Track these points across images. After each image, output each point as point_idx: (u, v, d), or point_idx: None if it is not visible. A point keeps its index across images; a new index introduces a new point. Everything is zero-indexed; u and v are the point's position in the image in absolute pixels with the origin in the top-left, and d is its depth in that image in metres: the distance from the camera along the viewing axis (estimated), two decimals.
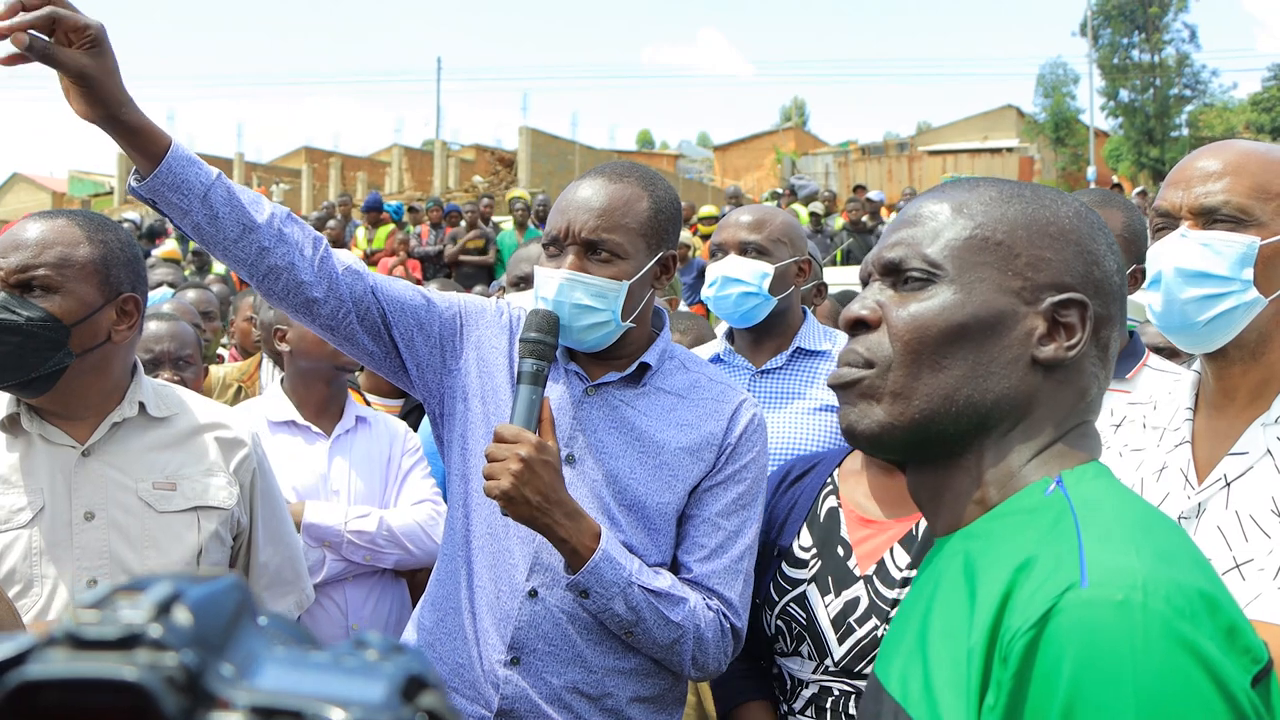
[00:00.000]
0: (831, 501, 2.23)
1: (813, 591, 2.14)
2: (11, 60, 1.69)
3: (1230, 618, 0.95)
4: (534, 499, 1.85)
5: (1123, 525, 1.02)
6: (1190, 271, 1.70)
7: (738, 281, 2.83)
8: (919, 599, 1.17)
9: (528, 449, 1.84)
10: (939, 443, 1.15)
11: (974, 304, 1.13)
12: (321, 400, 3.07)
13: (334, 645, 0.50)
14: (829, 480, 2.27)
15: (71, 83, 1.74)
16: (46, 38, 1.70)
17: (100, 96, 1.76)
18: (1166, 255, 1.73)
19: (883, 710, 1.12)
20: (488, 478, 1.86)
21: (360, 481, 3.01)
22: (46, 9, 1.68)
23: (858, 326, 1.19)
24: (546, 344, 1.96)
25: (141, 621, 0.42)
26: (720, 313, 2.92)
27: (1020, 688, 0.94)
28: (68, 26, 1.70)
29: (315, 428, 3.03)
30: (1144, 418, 1.90)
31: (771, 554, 2.24)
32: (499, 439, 1.87)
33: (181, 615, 0.43)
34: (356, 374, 3.66)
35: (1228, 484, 1.67)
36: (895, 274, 1.18)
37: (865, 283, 1.26)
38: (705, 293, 2.91)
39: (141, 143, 1.82)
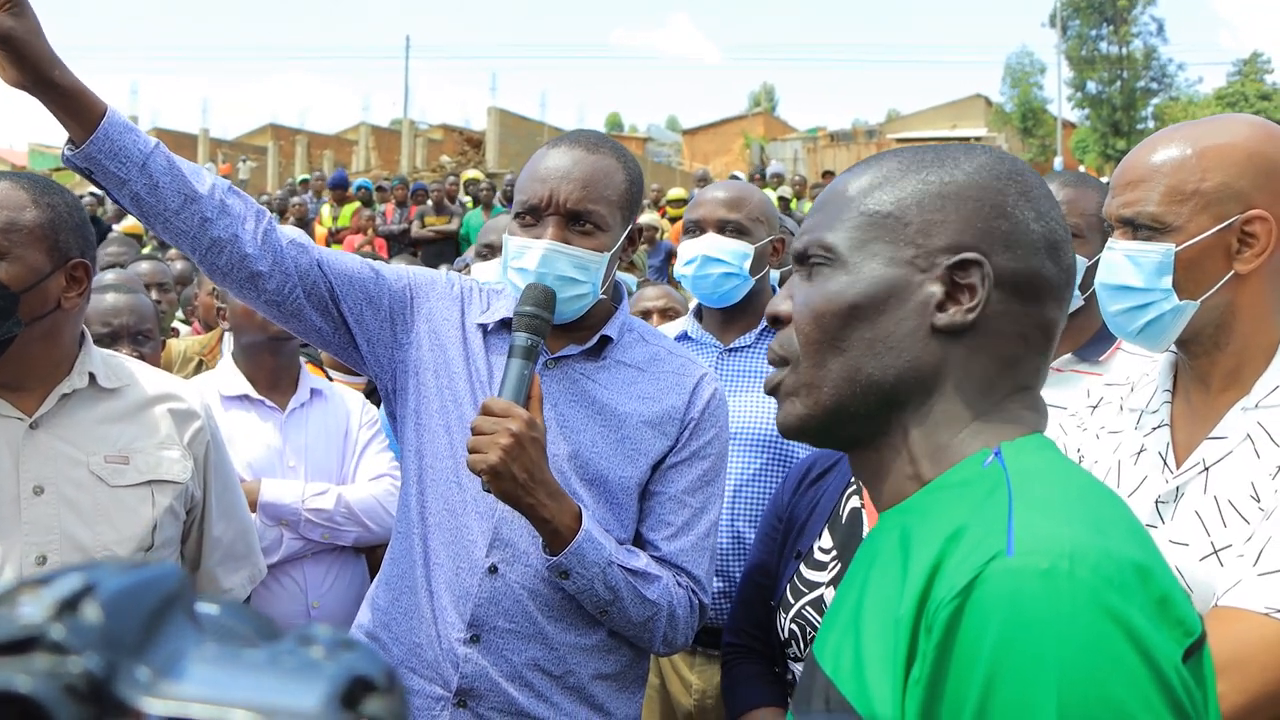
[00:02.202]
0: (855, 502, 2.15)
1: (831, 595, 2.06)
2: None
3: (1163, 588, 0.92)
4: (521, 476, 1.81)
5: (1056, 495, 0.99)
6: (1113, 285, 1.73)
7: (718, 261, 2.78)
8: (856, 575, 1.14)
9: (518, 424, 1.80)
10: (856, 424, 1.13)
11: (863, 282, 1.10)
12: (271, 373, 3.00)
13: (276, 641, 0.44)
14: (853, 480, 2.19)
15: None
16: None
17: (28, 59, 1.69)
18: (1099, 268, 1.77)
19: (815, 686, 1.09)
20: (472, 450, 1.81)
21: (316, 456, 2.95)
22: None
23: (776, 322, 1.18)
24: (542, 319, 1.91)
25: (41, 621, 0.37)
26: (698, 292, 2.86)
27: (943, 658, 0.91)
28: None
29: (269, 402, 2.96)
30: (1121, 399, 1.89)
31: (791, 556, 2.18)
32: (487, 412, 1.82)
33: (90, 612, 0.38)
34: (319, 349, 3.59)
35: (1206, 468, 1.65)
36: (804, 263, 1.17)
37: None
38: (682, 270, 2.84)
39: (75, 108, 1.75)
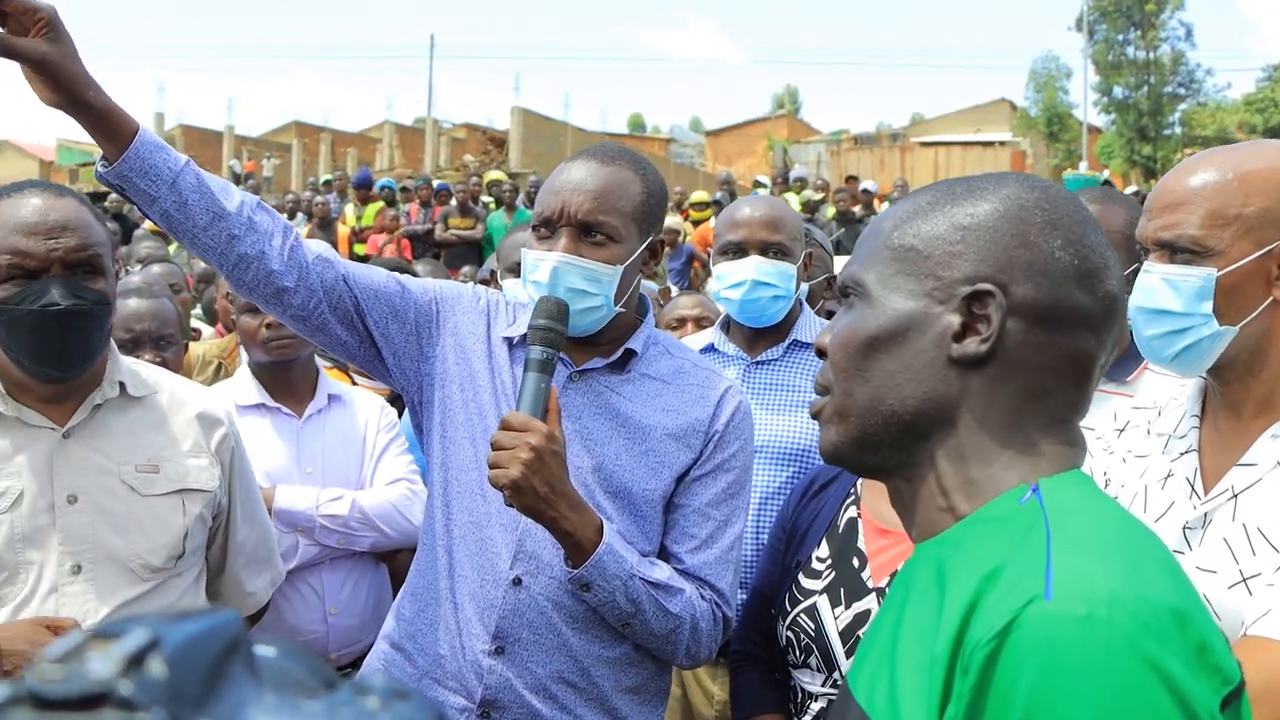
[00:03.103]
0: (852, 511, 2.20)
1: (823, 603, 2.11)
2: None
3: (1201, 634, 0.92)
4: (542, 490, 1.82)
5: (1095, 536, 0.99)
6: (1150, 309, 1.71)
7: (768, 285, 2.79)
8: (892, 606, 1.15)
9: (538, 438, 1.81)
10: (883, 453, 1.15)
11: (884, 314, 1.13)
12: (287, 381, 3.00)
13: (332, 688, 0.45)
14: (853, 490, 2.23)
15: (33, 71, 1.72)
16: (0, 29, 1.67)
17: (63, 81, 1.73)
18: (1134, 292, 1.74)
19: (848, 717, 1.10)
20: (493, 466, 1.83)
21: (333, 462, 2.95)
22: None
23: (821, 354, 1.23)
24: (556, 331, 1.92)
25: (110, 677, 0.38)
26: (744, 315, 2.84)
27: (978, 700, 0.92)
28: (16, 9, 1.66)
29: (286, 409, 2.97)
30: (1149, 423, 1.87)
31: (791, 565, 2.21)
32: (507, 427, 1.83)
33: (156, 667, 0.39)
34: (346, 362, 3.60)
35: (1235, 495, 1.63)
36: (844, 297, 1.21)
37: None
38: (726, 293, 2.83)
39: (108, 127, 1.79)
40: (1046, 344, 1.08)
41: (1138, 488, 1.80)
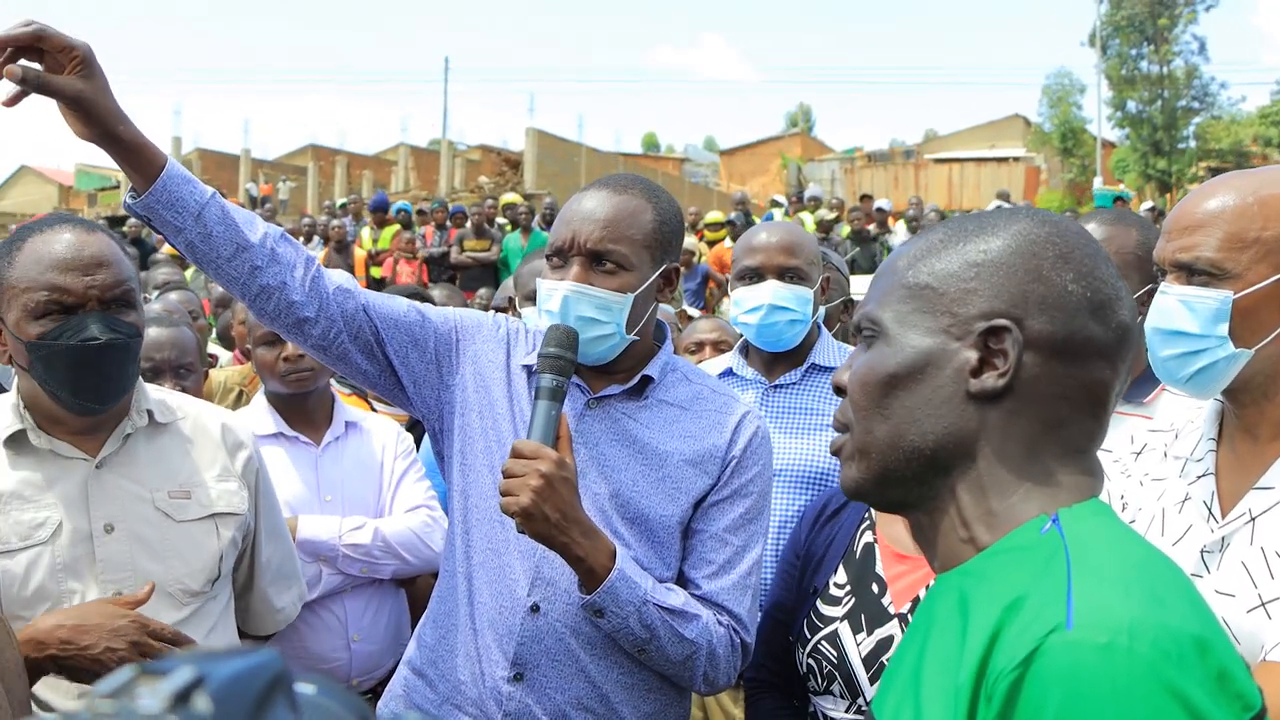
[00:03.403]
0: (868, 537, 2.19)
1: (845, 630, 2.10)
2: (12, 100, 1.72)
3: (1222, 662, 0.93)
4: (553, 516, 1.83)
5: (1115, 566, 1.00)
6: (1166, 330, 1.71)
7: (785, 310, 2.80)
8: (915, 635, 1.16)
9: (548, 465, 1.82)
10: (904, 488, 1.17)
11: (902, 352, 1.15)
12: (304, 410, 3.02)
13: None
14: (867, 515, 2.22)
15: (68, 107, 1.76)
16: (38, 66, 1.71)
17: (96, 117, 1.77)
18: (1150, 312, 1.74)
19: None
20: (505, 494, 1.84)
21: (352, 490, 2.97)
22: (34, 26, 1.69)
23: (839, 391, 1.24)
24: (566, 359, 1.94)
25: (159, 712, 0.40)
26: (762, 340, 2.85)
27: None
28: (55, 47, 1.70)
29: (304, 437, 2.99)
30: (1166, 446, 1.87)
31: (808, 592, 2.20)
32: (517, 454, 1.85)
33: (202, 703, 0.41)
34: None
35: (1253, 518, 1.63)
36: (860, 335, 1.23)
37: None
38: (744, 318, 2.84)
39: (138, 160, 1.83)
40: (1062, 375, 1.10)
41: (1155, 511, 1.79)
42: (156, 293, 6.30)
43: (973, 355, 1.11)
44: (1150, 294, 2.38)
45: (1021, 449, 1.11)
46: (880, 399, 1.15)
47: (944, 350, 1.13)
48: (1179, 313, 1.69)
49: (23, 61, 1.69)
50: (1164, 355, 1.73)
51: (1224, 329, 1.65)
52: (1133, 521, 1.80)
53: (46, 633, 1.89)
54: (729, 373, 2.92)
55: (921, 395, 1.13)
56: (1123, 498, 1.86)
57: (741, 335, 3.00)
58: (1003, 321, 1.10)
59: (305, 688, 0.49)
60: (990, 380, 1.10)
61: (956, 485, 1.13)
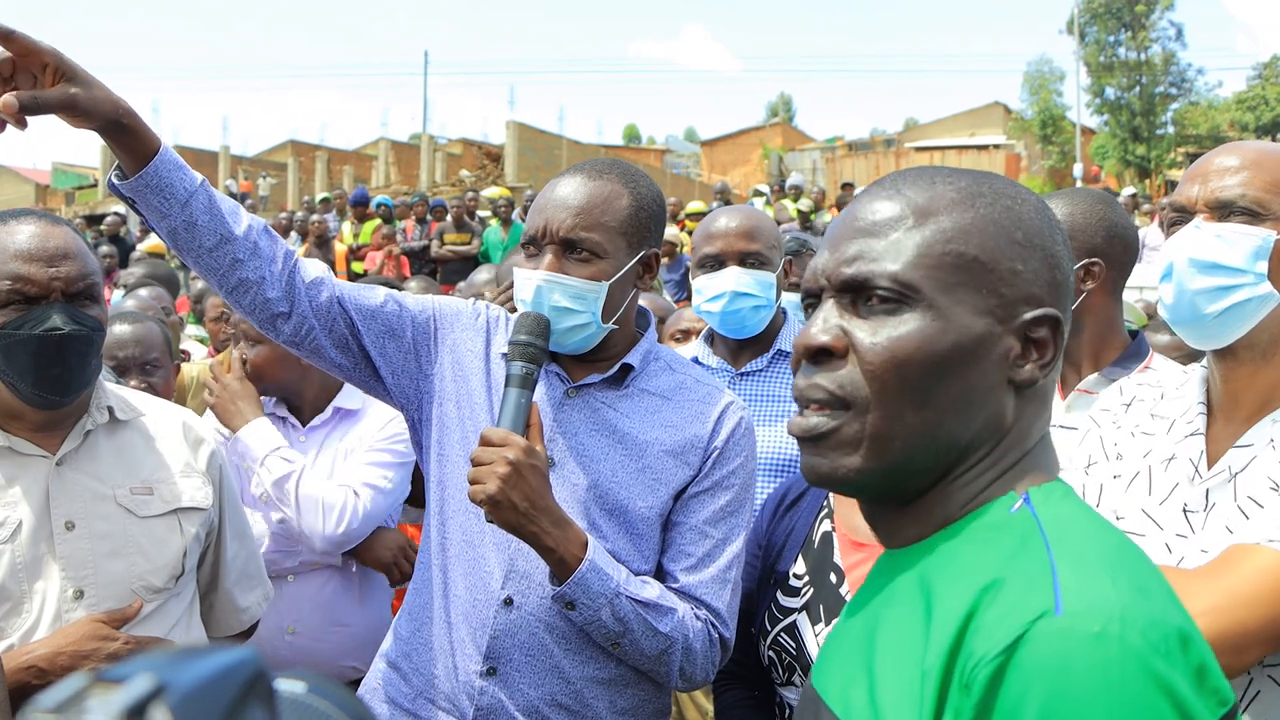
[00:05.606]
0: (826, 525, 2.14)
1: (803, 621, 2.06)
2: (18, 125, 1.66)
3: (1201, 656, 0.91)
4: (521, 504, 1.80)
5: (1096, 551, 0.97)
6: (1203, 262, 1.67)
7: (747, 296, 2.77)
8: (865, 612, 1.11)
9: (516, 452, 1.79)
10: (918, 480, 1.07)
11: (955, 331, 1.03)
12: (297, 398, 3.04)
13: None
14: (825, 503, 2.18)
15: (66, 113, 1.72)
16: (30, 93, 1.66)
17: (96, 111, 1.73)
18: (1179, 246, 1.71)
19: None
20: (473, 482, 1.81)
21: (323, 468, 2.91)
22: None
23: (820, 355, 1.07)
24: (536, 347, 1.91)
25: None
26: (726, 327, 2.83)
27: (983, 717, 0.89)
28: (21, 50, 1.64)
29: (292, 419, 3.00)
30: (1152, 403, 1.86)
31: (769, 582, 2.17)
32: (485, 442, 1.82)
33: (159, 717, 0.37)
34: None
35: (1233, 475, 1.63)
36: (856, 292, 1.07)
37: (812, 296, 1.14)
38: (707, 306, 2.81)
39: (134, 144, 1.79)
40: (1056, 363, 1.09)
41: (1140, 467, 1.78)
42: (124, 290, 6.22)
43: (1015, 343, 1.05)
44: (1090, 268, 2.36)
45: (1025, 435, 1.09)
46: (922, 382, 1.03)
47: (991, 334, 1.04)
48: (1215, 246, 1.67)
49: (9, 94, 1.63)
50: (1194, 287, 1.68)
51: (1263, 266, 1.64)
52: (1118, 476, 1.79)
53: (48, 660, 1.89)
54: (695, 361, 2.87)
55: (969, 381, 1.04)
56: (1116, 445, 1.84)
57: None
58: (1054, 312, 1.06)
59: (292, 686, 0.45)
60: (1034, 371, 1.06)
61: (962, 472, 1.07)
